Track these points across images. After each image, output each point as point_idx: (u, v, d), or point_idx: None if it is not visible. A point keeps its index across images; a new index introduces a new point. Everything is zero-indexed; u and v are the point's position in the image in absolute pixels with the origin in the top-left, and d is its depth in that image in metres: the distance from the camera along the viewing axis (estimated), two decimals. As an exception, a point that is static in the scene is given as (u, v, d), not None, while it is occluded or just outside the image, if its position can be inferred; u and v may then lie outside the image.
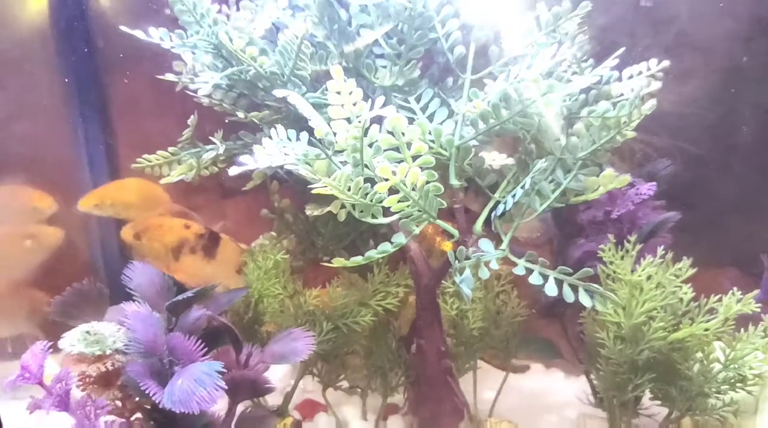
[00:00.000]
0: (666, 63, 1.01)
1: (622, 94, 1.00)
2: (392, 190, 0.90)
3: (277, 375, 1.35)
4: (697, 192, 1.35)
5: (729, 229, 1.37)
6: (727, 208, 1.37)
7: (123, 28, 0.94)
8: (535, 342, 1.28)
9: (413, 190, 0.91)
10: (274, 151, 0.88)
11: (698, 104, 1.33)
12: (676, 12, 1.33)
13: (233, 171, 0.87)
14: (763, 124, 1.32)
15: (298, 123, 0.97)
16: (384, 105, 0.87)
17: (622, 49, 0.97)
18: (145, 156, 1.07)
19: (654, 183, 1.11)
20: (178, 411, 0.94)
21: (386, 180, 0.88)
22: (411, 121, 0.98)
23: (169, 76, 1.02)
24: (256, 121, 1.00)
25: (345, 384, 1.24)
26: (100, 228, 1.46)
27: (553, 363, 1.44)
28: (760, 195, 1.37)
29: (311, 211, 1.06)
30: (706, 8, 1.31)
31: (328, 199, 1.03)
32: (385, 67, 1.04)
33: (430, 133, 0.98)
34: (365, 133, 0.88)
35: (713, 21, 1.31)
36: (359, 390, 1.26)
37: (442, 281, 1.16)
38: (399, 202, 0.91)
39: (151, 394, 0.95)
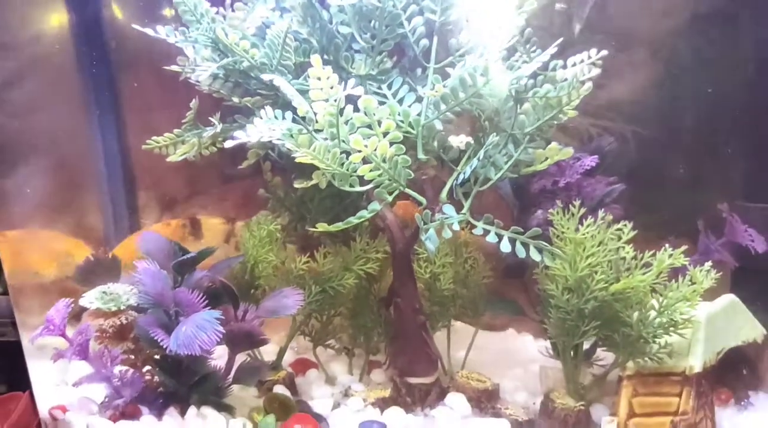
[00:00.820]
0: (604, 52, 1.16)
1: (566, 79, 1.15)
2: (366, 161, 1.06)
3: (273, 339, 1.49)
4: (649, 170, 1.49)
5: (680, 203, 1.51)
6: (678, 184, 1.51)
7: (135, 26, 1.11)
8: (500, 302, 1.42)
9: (384, 161, 1.07)
10: (263, 128, 1.04)
11: (647, 92, 1.49)
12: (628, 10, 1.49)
13: (229, 144, 1.03)
14: (702, 108, 1.47)
15: (285, 107, 1.13)
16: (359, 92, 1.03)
17: (560, 39, 1.12)
18: (154, 137, 1.23)
19: (596, 156, 1.27)
20: (183, 354, 1.10)
21: (359, 151, 1.04)
22: (383, 104, 1.14)
23: (174, 68, 1.18)
24: (249, 105, 1.16)
25: (333, 343, 1.40)
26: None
27: (524, 328, 1.59)
28: (708, 172, 1.51)
29: (299, 184, 1.21)
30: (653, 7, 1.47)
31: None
32: (361, 59, 1.20)
33: (399, 115, 1.14)
34: (341, 111, 1.04)
35: (658, 19, 1.47)
36: (346, 349, 1.41)
37: (416, 247, 1.31)
38: (371, 171, 1.07)
39: (159, 341, 1.11)
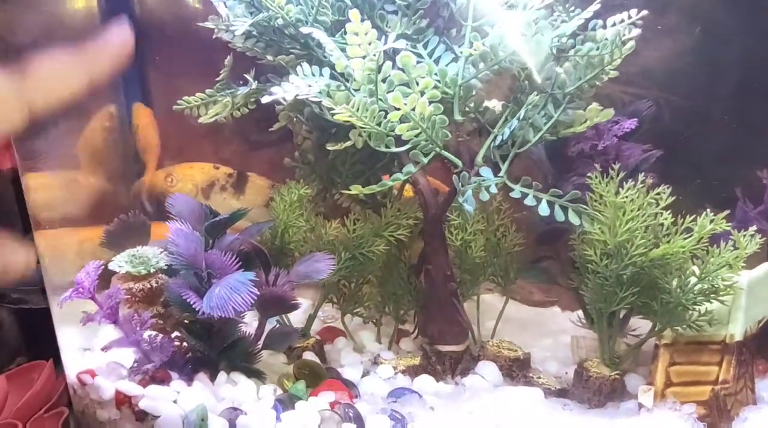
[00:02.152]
0: (645, 12, 1.13)
1: (606, 39, 1.12)
2: (403, 120, 1.04)
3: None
4: (684, 137, 1.46)
5: (717, 174, 1.48)
6: (715, 155, 1.48)
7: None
8: (532, 270, 1.40)
9: (422, 120, 1.04)
10: (300, 84, 1.02)
11: (683, 59, 1.46)
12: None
13: (265, 99, 1.01)
14: (740, 75, 1.44)
15: (320, 66, 1.11)
16: (395, 51, 1.01)
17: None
18: (185, 98, 1.21)
19: (635, 119, 1.24)
20: (213, 319, 1.08)
21: (398, 109, 1.02)
22: (419, 63, 1.12)
23: (207, 24, 1.15)
24: (283, 63, 1.14)
25: (362, 311, 1.38)
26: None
27: (550, 302, 1.57)
28: (745, 142, 1.48)
29: (332, 146, 1.18)
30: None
31: (346, 137, 1.17)
32: (396, 17, 1.18)
33: (436, 74, 1.11)
34: (379, 69, 1.02)
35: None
36: (375, 319, 1.39)
37: (447, 214, 1.29)
38: (409, 130, 1.05)
39: (191, 303, 1.09)
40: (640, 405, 1.15)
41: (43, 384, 1.38)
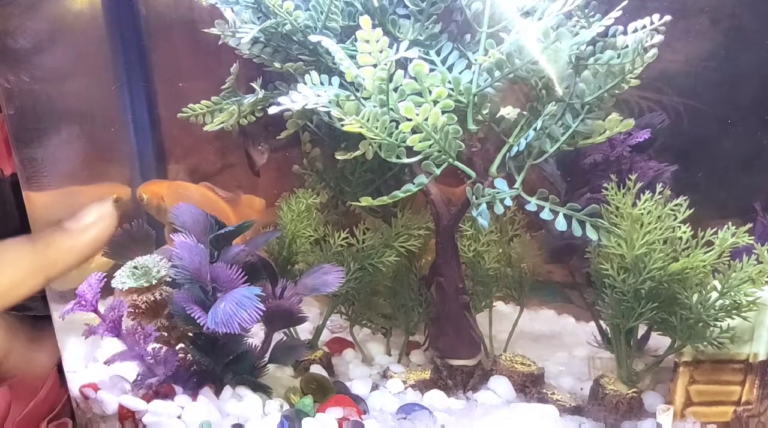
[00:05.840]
0: (667, 18, 1.09)
1: (627, 46, 1.08)
2: (415, 131, 1.00)
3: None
4: (703, 147, 1.41)
5: (738, 183, 1.43)
6: (734, 163, 1.43)
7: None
8: (545, 287, 1.36)
9: (434, 131, 1.00)
10: (308, 93, 0.98)
11: (704, 64, 1.41)
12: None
13: (272, 110, 0.97)
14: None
15: (330, 74, 1.07)
16: (407, 58, 0.97)
17: (625, 2, 1.04)
18: (190, 105, 1.17)
19: (648, 130, 1.20)
20: (221, 332, 1.05)
21: (410, 119, 0.98)
22: (432, 71, 1.08)
23: (213, 30, 1.11)
24: (291, 71, 1.10)
25: (370, 322, 1.34)
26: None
27: (563, 310, 1.53)
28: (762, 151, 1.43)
29: (341, 156, 1.15)
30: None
31: (356, 146, 1.13)
32: (408, 23, 1.13)
33: (449, 82, 1.07)
34: (390, 78, 0.98)
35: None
36: (385, 329, 1.36)
37: (460, 225, 1.25)
38: (421, 141, 1.01)
39: (196, 318, 1.06)
40: (659, 425, 1.11)
41: (46, 394, 1.35)
